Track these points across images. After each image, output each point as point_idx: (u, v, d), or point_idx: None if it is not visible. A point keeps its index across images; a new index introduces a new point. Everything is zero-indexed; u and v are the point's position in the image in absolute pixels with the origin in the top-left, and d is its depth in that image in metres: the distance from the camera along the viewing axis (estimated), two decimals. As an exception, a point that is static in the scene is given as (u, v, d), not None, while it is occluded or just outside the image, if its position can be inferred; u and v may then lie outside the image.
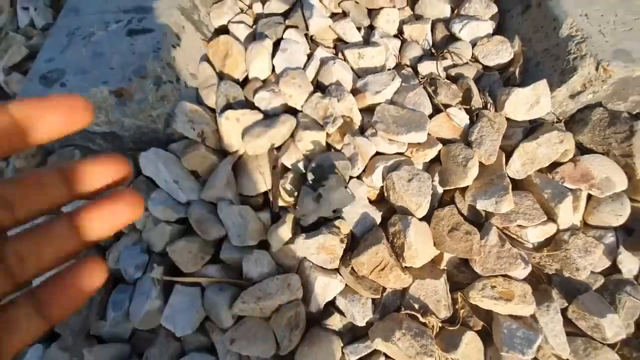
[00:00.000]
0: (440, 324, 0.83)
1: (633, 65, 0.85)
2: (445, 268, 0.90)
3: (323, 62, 1.09)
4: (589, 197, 0.91)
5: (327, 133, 0.98)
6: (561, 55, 0.92)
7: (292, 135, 0.99)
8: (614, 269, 0.88)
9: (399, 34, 1.18)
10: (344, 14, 1.19)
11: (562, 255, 0.85)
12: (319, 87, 1.10)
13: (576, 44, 0.90)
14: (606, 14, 0.94)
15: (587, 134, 0.92)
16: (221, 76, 1.12)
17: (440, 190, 0.95)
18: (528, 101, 0.93)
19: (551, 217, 0.87)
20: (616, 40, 0.89)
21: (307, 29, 1.16)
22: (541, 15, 1.00)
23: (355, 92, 1.04)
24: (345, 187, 0.88)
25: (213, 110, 1.06)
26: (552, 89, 0.93)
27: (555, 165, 0.92)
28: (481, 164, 0.91)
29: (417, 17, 1.22)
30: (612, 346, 0.84)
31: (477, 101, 1.00)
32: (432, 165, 0.99)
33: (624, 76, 0.85)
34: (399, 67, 1.13)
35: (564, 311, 0.86)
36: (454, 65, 1.08)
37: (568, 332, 0.84)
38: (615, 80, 0.86)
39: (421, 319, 0.81)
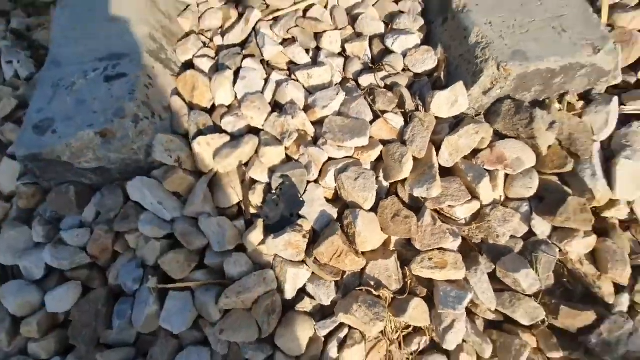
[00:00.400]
0: (392, 295, 1.00)
1: (527, 63, 1.03)
2: (395, 249, 1.07)
3: (278, 84, 1.26)
4: (507, 175, 1.08)
5: (285, 147, 1.15)
6: (471, 60, 1.10)
7: (257, 152, 1.16)
8: (531, 233, 1.06)
9: (343, 51, 1.35)
10: (293, 40, 1.36)
11: (485, 226, 1.02)
12: (277, 106, 1.26)
13: (481, 49, 1.08)
14: (507, 20, 1.12)
15: (501, 123, 1.10)
16: (191, 106, 1.28)
17: (386, 183, 1.12)
18: (449, 101, 1.10)
19: (475, 196, 1.05)
20: (514, 42, 1.07)
21: (263, 56, 1.33)
22: (455, 26, 1.18)
23: (307, 108, 1.21)
24: (298, 191, 1.05)
25: (187, 137, 1.21)
26: (468, 88, 1.11)
27: (477, 151, 1.10)
28: (415, 158, 1.08)
29: (358, 35, 1.39)
30: (536, 296, 1.01)
31: (410, 105, 1.17)
32: (378, 163, 1.15)
33: (520, 73, 1.03)
34: (344, 81, 1.30)
35: (494, 272, 1.03)
36: (390, 75, 1.25)
37: (498, 289, 1.02)
38: (514, 77, 1.04)
39: (375, 293, 0.98)
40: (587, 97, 1.14)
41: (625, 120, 1.09)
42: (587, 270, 1.02)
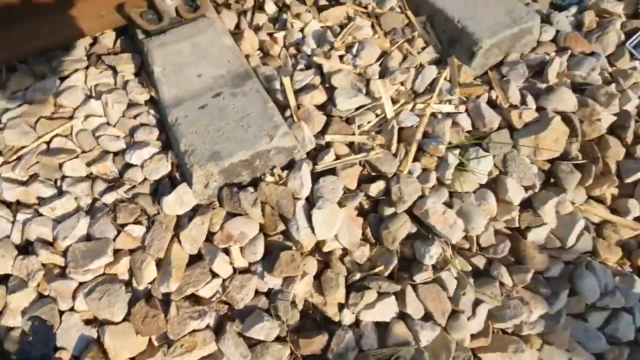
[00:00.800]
0: (158, 390, 1.12)
1: (222, 161, 1.30)
2: (160, 344, 1.20)
3: (24, 224, 1.31)
4: (241, 247, 1.33)
5: (35, 286, 1.20)
6: (187, 166, 1.34)
7: (5, 300, 1.18)
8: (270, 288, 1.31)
9: (90, 173, 1.47)
10: (37, 175, 1.43)
11: (229, 296, 1.24)
12: (29, 243, 1.31)
13: (188, 156, 1.32)
14: (208, 126, 1.40)
15: (227, 206, 1.35)
16: None
17: (142, 287, 1.26)
18: (177, 202, 1.31)
19: (215, 274, 1.26)
20: (212, 145, 1.34)
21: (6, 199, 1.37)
22: (172, 137, 1.42)
23: (54, 240, 1.29)
24: (50, 327, 1.12)
25: None
26: (192, 187, 1.34)
27: (213, 234, 1.32)
28: (159, 259, 1.25)
29: (106, 153, 1.53)
30: (285, 338, 1.25)
31: (151, 210, 1.35)
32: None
33: (220, 169, 1.30)
34: (94, 202, 1.42)
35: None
36: (132, 187, 1.42)
37: (254, 343, 1.22)
38: (217, 173, 1.31)
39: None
40: (291, 166, 1.47)
41: (318, 177, 1.45)
42: (317, 300, 1.31)
